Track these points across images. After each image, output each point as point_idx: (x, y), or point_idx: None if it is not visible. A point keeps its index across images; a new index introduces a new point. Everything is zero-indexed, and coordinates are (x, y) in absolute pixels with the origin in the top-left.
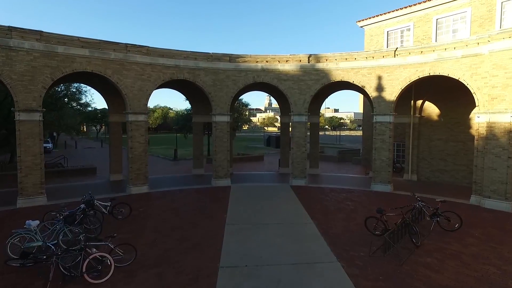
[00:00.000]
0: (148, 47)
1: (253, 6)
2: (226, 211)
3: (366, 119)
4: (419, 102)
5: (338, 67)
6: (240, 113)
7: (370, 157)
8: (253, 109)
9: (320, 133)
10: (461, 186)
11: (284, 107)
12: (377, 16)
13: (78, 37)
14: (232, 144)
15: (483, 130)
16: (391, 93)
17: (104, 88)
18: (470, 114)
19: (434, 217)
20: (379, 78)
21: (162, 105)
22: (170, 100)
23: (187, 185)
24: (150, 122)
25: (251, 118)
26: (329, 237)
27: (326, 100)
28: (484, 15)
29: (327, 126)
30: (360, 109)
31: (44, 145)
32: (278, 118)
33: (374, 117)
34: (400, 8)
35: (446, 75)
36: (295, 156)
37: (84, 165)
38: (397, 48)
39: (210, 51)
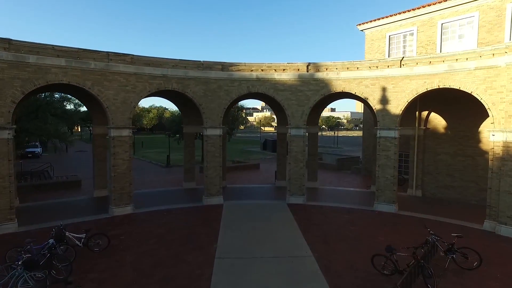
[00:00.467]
0: (133, 55)
1: (246, 12)
2: (217, 239)
3: (367, 127)
4: (425, 113)
5: (339, 77)
6: (236, 118)
7: (371, 167)
8: (249, 108)
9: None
10: (470, 205)
11: (281, 117)
12: (379, 19)
13: (53, 46)
14: (225, 150)
15: (498, 150)
16: (397, 106)
17: (87, 98)
18: (480, 127)
19: (450, 253)
20: (384, 89)
21: (158, 105)
22: (166, 100)
23: (176, 203)
24: (145, 122)
25: (247, 117)
26: (331, 276)
27: None
28: (493, 20)
29: (324, 126)
30: (356, 108)
31: (33, 149)
32: (275, 117)
33: (378, 131)
34: (403, 12)
35: (458, 88)
36: (292, 172)
37: (69, 177)
38: (403, 57)
39: (201, 59)
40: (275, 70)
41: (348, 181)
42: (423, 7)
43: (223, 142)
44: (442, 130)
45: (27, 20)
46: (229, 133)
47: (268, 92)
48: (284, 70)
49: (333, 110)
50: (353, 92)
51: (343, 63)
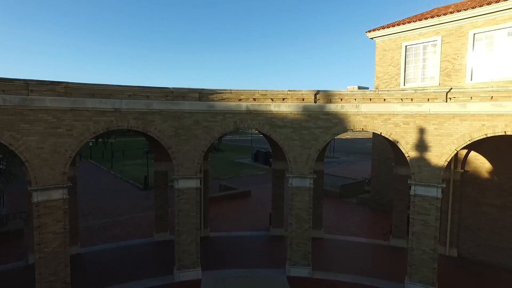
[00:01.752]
0: (67, 83)
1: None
2: None
3: (376, 153)
4: (463, 152)
5: (358, 111)
6: None
7: (381, 200)
8: None
9: None
10: None
11: (278, 150)
12: (393, 26)
13: None
14: (207, 186)
15: None
16: (440, 156)
17: None
18: None
19: None
20: (421, 131)
21: None
22: None
23: (137, 277)
24: None
25: None
26: None
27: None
28: None
29: None
30: None
31: None
32: None
33: (413, 187)
34: (424, 18)
35: None
36: (294, 236)
37: (14, 219)
38: (451, 89)
39: (171, 86)
40: (271, 99)
41: (357, 221)
42: (450, 13)
43: (204, 175)
44: (485, 174)
45: None
46: (216, 148)
47: (262, 128)
48: (283, 99)
49: None
50: (378, 132)
51: (364, 93)
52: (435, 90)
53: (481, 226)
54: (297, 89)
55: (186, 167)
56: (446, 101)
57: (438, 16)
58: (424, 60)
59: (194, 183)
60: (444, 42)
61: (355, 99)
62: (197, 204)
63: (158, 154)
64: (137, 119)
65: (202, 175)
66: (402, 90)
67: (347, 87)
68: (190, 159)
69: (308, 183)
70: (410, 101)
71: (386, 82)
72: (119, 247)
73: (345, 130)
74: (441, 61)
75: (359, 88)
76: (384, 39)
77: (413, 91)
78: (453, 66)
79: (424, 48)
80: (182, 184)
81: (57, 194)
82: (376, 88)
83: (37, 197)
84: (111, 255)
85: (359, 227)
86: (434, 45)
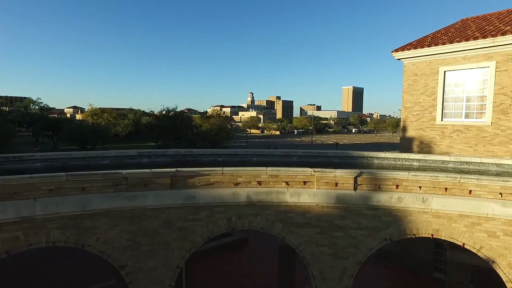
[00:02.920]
0: None
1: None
2: None
3: None
4: None
5: (426, 208)
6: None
7: (408, 257)
8: (235, 106)
9: (307, 140)
10: None
11: None
12: (428, 45)
13: None
14: None
15: None
16: None
17: None
18: None
19: None
20: None
21: (136, 108)
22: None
23: None
24: (120, 130)
25: (233, 117)
26: None
27: (308, 94)
28: None
29: (311, 128)
30: (343, 107)
31: None
32: (261, 117)
33: None
34: (472, 37)
35: None
36: None
37: None
38: None
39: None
40: (286, 183)
41: None
42: (510, 32)
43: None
44: None
45: None
46: None
47: (271, 228)
48: (305, 183)
49: (319, 108)
50: (459, 243)
51: (436, 179)
52: None
53: None
54: (326, 169)
55: None
56: None
57: (491, 36)
58: (469, 91)
59: None
60: (499, 69)
61: (419, 187)
62: None
63: None
64: (64, 228)
65: None
66: (502, 180)
67: (342, 87)
68: (158, 281)
69: None
70: None
71: (418, 115)
72: None
73: (403, 234)
74: (494, 94)
75: (355, 89)
76: (414, 61)
77: None
78: None
79: (470, 75)
80: None
81: None
82: (404, 121)
83: None
84: None
85: None
86: (485, 73)
